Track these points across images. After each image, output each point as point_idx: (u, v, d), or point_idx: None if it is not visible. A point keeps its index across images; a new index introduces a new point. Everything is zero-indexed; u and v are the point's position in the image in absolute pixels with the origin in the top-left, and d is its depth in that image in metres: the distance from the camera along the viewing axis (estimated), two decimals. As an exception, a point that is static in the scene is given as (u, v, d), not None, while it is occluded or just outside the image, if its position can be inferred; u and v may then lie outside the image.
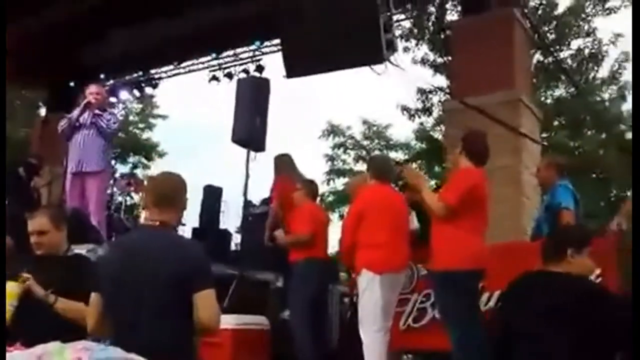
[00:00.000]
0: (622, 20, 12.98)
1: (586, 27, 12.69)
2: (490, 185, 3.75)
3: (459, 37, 7.98)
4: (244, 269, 5.56)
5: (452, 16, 11.70)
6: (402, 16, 10.20)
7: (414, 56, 13.36)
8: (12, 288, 2.67)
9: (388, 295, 3.84)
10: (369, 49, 4.72)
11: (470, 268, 3.34)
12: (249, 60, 10.13)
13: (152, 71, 11.16)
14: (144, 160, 19.14)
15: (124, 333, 2.29)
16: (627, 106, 12.58)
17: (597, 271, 3.64)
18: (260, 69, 9.86)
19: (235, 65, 10.30)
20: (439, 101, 12.78)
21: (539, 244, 4.34)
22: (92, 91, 5.40)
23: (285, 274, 5.32)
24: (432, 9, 12.11)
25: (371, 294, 3.78)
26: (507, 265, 3.47)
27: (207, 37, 9.49)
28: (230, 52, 10.36)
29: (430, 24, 12.90)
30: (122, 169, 17.71)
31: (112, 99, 11.26)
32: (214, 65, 10.49)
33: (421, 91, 13.16)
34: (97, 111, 5.29)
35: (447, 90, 9.97)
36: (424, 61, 13.41)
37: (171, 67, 11.00)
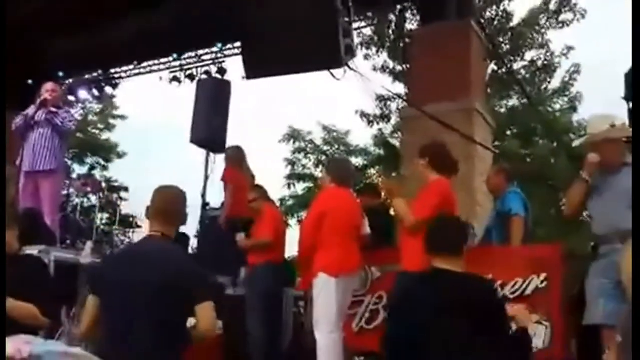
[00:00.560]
0: (574, 34, 13.54)
1: (540, 39, 13.07)
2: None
3: (417, 46, 8.15)
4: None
5: (411, 25, 11.93)
6: (363, 23, 10.35)
7: (374, 63, 13.56)
8: None
9: (343, 297, 3.92)
10: (328, 53, 4.78)
11: None
12: (211, 62, 10.08)
13: (112, 71, 10.97)
14: (102, 162, 18.74)
15: (116, 337, 2.38)
16: (577, 117, 13.10)
17: (543, 275, 3.84)
18: (222, 71, 9.82)
19: (197, 67, 10.23)
20: (398, 108, 12.98)
21: (489, 249, 4.55)
22: (48, 88, 5.30)
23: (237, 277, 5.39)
24: (392, 17, 12.30)
25: (327, 296, 3.84)
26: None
27: (169, 38, 9.40)
28: (192, 54, 10.28)
29: (390, 32, 13.11)
30: (79, 169, 17.35)
31: (71, 98, 11.02)
32: (175, 66, 10.40)
33: (380, 98, 13.34)
34: (52, 109, 5.19)
35: (405, 98, 10.15)
36: (384, 68, 13.61)
37: (131, 67, 10.84)
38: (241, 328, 4.78)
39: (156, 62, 10.62)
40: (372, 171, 14.38)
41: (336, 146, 15.18)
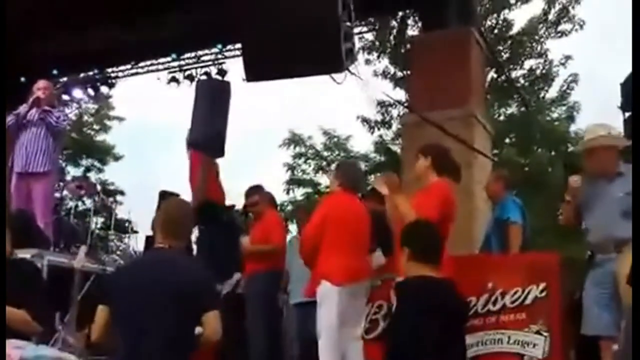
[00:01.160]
0: (572, 43, 13.59)
1: (539, 48, 13.15)
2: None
3: (417, 52, 8.15)
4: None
5: (413, 31, 11.93)
6: (365, 28, 10.34)
7: (375, 69, 13.55)
8: None
9: (348, 305, 3.74)
10: (329, 57, 4.76)
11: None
12: (211, 63, 9.96)
13: (109, 70, 10.74)
14: (97, 164, 18.54)
15: (128, 347, 2.46)
16: (575, 126, 13.11)
17: (543, 284, 3.80)
18: (222, 72, 9.69)
19: (196, 68, 10.11)
20: (398, 114, 12.97)
21: (490, 257, 4.53)
22: (40, 86, 5.20)
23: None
24: (394, 22, 12.31)
25: (329, 305, 3.69)
26: (459, 277, 3.52)
27: (168, 38, 9.31)
28: (192, 54, 10.16)
29: (391, 37, 13.10)
30: (74, 171, 17.18)
31: (65, 97, 10.90)
32: (174, 67, 10.27)
33: (381, 104, 13.33)
34: (46, 107, 5.10)
35: (406, 104, 10.13)
36: (384, 74, 13.61)
37: (129, 66, 10.65)
38: (234, 332, 4.73)
39: (154, 62, 10.46)
40: (373, 177, 14.33)
41: (337, 152, 15.12)
